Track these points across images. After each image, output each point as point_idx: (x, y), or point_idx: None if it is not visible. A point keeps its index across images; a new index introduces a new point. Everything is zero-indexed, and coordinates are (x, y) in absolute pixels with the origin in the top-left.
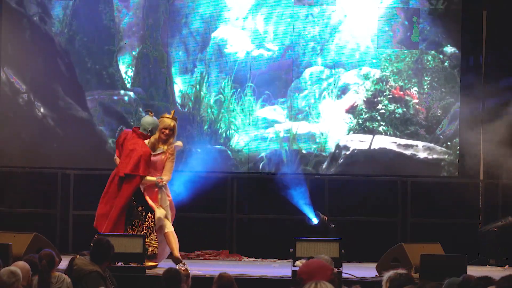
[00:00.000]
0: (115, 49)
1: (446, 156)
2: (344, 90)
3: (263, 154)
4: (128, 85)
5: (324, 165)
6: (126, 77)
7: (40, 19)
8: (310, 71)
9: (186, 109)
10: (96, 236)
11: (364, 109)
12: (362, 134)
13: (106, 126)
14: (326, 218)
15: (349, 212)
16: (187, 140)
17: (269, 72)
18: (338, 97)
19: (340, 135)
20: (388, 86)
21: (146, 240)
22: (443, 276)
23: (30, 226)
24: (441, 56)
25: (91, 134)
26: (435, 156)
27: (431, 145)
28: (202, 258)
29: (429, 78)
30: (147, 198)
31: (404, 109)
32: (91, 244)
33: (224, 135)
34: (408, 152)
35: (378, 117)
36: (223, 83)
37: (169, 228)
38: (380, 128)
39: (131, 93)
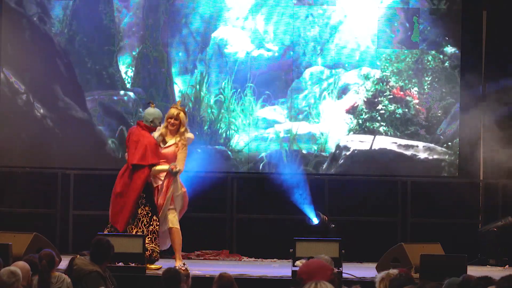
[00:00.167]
0: (115, 49)
1: (447, 157)
2: (344, 90)
3: (263, 154)
4: (128, 85)
5: (324, 166)
6: (126, 77)
7: (39, 19)
8: (310, 71)
9: (186, 109)
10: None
11: (365, 110)
12: (363, 135)
13: (106, 126)
14: (326, 218)
15: (349, 212)
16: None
17: (269, 72)
18: (339, 97)
19: (340, 135)
20: (388, 86)
21: (151, 245)
22: (443, 276)
23: (30, 226)
24: (441, 56)
25: (91, 134)
26: (435, 156)
27: (432, 145)
28: (202, 258)
29: (430, 78)
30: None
31: (405, 110)
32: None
33: (224, 135)
34: (408, 152)
35: (379, 118)
36: (223, 83)
37: (174, 224)
38: (381, 129)
39: (131, 93)
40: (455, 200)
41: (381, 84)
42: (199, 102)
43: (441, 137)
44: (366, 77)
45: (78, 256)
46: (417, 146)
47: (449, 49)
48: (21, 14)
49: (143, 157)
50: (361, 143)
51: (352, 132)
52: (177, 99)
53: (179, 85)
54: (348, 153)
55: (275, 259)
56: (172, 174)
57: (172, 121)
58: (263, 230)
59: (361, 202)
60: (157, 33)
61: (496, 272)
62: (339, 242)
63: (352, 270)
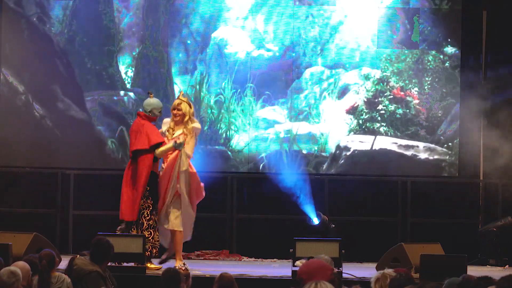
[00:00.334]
0: (115, 49)
1: (447, 157)
2: (344, 90)
3: (263, 154)
4: (128, 86)
5: (325, 166)
6: (126, 77)
7: (38, 19)
8: (310, 71)
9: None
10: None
11: (365, 110)
12: (363, 135)
13: (106, 126)
14: (326, 218)
15: (349, 212)
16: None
17: (269, 73)
18: (339, 97)
19: (340, 135)
20: (388, 87)
21: (151, 241)
22: (443, 276)
23: (30, 226)
24: (441, 56)
25: (91, 134)
26: (436, 157)
27: (432, 145)
28: (202, 258)
29: (430, 79)
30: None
31: (405, 110)
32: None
33: (224, 135)
34: (408, 153)
35: (379, 118)
36: (223, 83)
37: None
38: (381, 129)
39: (131, 94)
40: (455, 200)
41: (381, 84)
42: (199, 102)
43: (442, 137)
44: (366, 77)
45: (78, 256)
46: (418, 147)
47: (449, 49)
48: (20, 14)
49: (142, 142)
50: (361, 143)
51: (352, 133)
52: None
53: (179, 85)
54: (348, 153)
55: (275, 259)
56: (176, 147)
57: (175, 111)
58: (263, 230)
59: (361, 202)
60: (157, 33)
61: (496, 272)
62: (339, 242)
63: (352, 270)
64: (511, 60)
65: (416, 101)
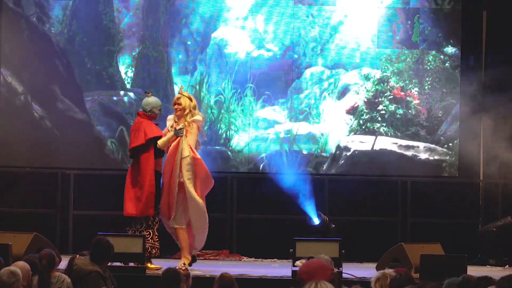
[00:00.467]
0: (115, 49)
1: (447, 157)
2: (344, 90)
3: (263, 155)
4: (128, 86)
5: (325, 166)
6: (126, 77)
7: (38, 19)
8: (310, 71)
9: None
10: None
11: (365, 110)
12: (363, 135)
13: (106, 126)
14: (327, 219)
15: (349, 212)
16: None
17: (269, 73)
18: (339, 97)
19: (340, 136)
20: (388, 87)
21: (150, 242)
22: (443, 276)
23: (30, 226)
24: (441, 56)
25: (91, 134)
26: (436, 157)
27: (432, 146)
28: (202, 258)
29: (430, 79)
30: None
31: (405, 110)
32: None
33: (224, 135)
34: (409, 153)
35: (379, 118)
36: (223, 83)
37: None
38: (381, 129)
39: (131, 94)
40: (455, 200)
41: (381, 84)
42: (199, 102)
43: (442, 137)
44: (367, 78)
45: (78, 256)
46: (418, 147)
47: (450, 49)
48: (19, 14)
49: (140, 138)
50: (362, 143)
51: (352, 133)
52: None
53: (179, 86)
54: (348, 153)
55: (275, 259)
56: (176, 134)
57: (176, 106)
58: (263, 230)
59: (361, 202)
60: (157, 33)
61: (496, 272)
62: (339, 242)
63: (352, 270)
64: (511, 60)
65: (416, 101)
